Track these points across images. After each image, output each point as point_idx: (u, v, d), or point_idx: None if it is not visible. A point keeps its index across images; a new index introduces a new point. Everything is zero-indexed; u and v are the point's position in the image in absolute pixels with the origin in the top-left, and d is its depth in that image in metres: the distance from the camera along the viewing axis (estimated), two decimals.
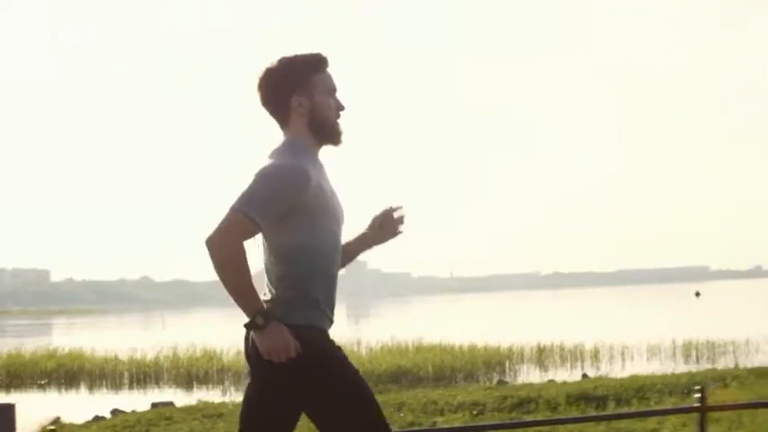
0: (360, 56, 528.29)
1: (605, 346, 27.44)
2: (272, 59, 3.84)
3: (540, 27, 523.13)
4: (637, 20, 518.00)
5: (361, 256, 4.19)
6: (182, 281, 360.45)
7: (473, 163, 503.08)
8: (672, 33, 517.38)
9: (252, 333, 3.70)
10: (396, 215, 4.15)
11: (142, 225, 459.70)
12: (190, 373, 26.25)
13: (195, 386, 24.62)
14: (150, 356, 28.50)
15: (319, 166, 3.86)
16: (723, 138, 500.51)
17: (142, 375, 26.67)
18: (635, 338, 28.88)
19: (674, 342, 27.62)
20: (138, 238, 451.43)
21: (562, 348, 27.21)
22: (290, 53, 3.85)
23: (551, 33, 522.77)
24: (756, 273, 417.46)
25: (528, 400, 13.63)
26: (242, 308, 3.62)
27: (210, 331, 51.05)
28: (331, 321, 3.86)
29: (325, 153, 3.95)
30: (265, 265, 3.83)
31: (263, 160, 3.77)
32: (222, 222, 3.61)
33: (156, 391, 24.06)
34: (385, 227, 4.15)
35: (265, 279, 3.83)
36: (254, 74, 3.86)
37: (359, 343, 28.84)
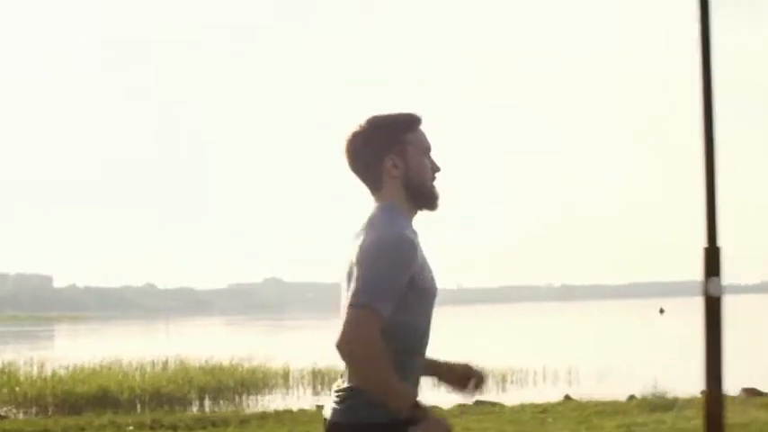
0: (358, 51, 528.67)
1: None
2: (358, 122, 3.53)
3: (542, 30, 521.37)
4: (642, 23, 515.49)
5: None
6: (186, 288, 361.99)
7: (484, 173, 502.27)
8: (676, 38, 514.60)
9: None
10: (473, 384, 3.80)
11: (146, 232, 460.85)
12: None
13: None
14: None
15: (415, 234, 3.50)
16: (736, 147, 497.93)
17: None
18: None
19: None
20: (143, 245, 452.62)
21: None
22: (379, 113, 3.55)
23: (553, 36, 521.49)
24: (765, 288, 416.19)
25: None
26: (393, 405, 3.26)
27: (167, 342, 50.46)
28: None
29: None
30: None
31: (363, 230, 3.42)
32: (351, 323, 3.23)
33: None
34: (462, 381, 3.80)
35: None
36: (341, 137, 3.55)
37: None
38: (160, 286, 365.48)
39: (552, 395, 18.98)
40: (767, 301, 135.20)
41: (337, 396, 3.42)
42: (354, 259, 3.35)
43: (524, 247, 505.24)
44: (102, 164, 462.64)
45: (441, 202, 3.56)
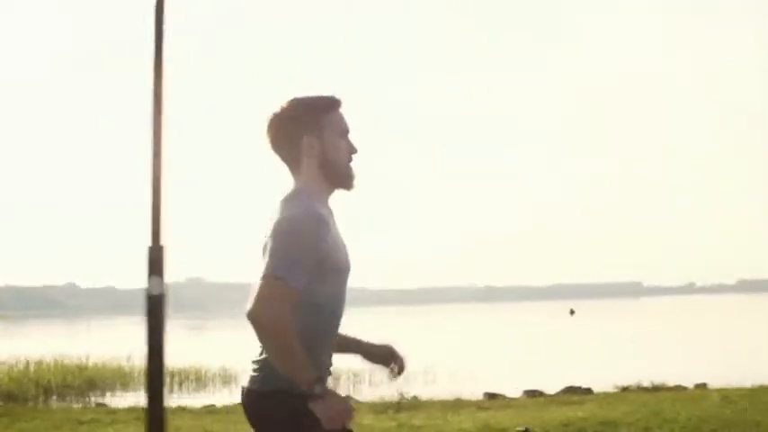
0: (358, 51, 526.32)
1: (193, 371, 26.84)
2: (279, 103, 3.72)
3: (523, 32, 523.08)
4: (624, 28, 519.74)
5: None
6: (108, 287, 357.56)
7: (417, 176, 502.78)
8: (631, 52, 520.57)
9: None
10: (395, 369, 4.00)
11: (68, 230, 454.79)
12: None
13: None
14: None
15: (330, 213, 3.71)
16: (658, 156, 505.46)
17: None
18: None
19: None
20: (65, 244, 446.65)
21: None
22: (300, 95, 3.74)
23: (530, 38, 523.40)
24: (689, 289, 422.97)
25: None
26: (296, 380, 3.41)
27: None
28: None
29: None
30: None
31: (275, 208, 3.62)
32: (260, 294, 3.41)
33: None
34: (385, 361, 4.03)
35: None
36: (264, 119, 3.72)
37: None
38: (82, 285, 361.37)
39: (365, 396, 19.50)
40: None
41: (254, 365, 3.58)
42: (268, 234, 3.54)
43: (452, 248, 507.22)
44: (24, 163, 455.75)
45: (356, 182, 3.74)
